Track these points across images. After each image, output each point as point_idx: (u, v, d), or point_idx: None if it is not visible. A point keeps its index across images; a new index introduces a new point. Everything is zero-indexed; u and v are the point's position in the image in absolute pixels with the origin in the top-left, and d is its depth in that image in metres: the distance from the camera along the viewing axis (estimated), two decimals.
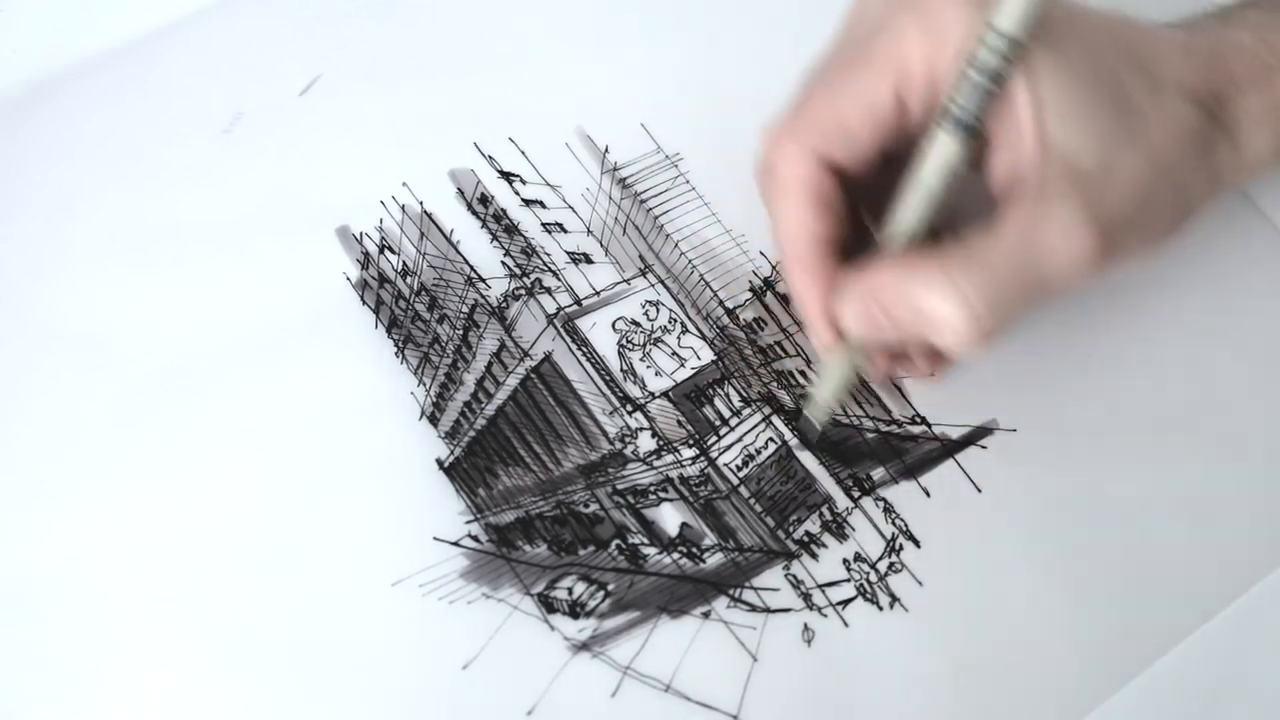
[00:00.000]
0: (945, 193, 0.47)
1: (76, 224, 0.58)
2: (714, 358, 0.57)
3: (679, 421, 0.56)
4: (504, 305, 0.57)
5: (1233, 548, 0.54)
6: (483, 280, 0.58)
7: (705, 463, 0.55)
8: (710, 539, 0.54)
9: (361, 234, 0.59)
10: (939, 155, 0.46)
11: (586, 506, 0.55)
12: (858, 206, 0.51)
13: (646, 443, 0.55)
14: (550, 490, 0.55)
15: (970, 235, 0.46)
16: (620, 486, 0.55)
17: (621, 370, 0.56)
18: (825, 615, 0.52)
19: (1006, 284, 0.45)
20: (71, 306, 0.57)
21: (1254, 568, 0.54)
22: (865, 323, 0.48)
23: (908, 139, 0.49)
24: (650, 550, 0.54)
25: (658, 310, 0.58)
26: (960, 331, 0.46)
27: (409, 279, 0.58)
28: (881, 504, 0.54)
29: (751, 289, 0.58)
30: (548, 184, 0.60)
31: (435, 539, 0.53)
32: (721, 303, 0.58)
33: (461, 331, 0.57)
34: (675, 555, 0.54)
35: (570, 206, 0.60)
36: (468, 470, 0.55)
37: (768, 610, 0.52)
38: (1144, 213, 0.48)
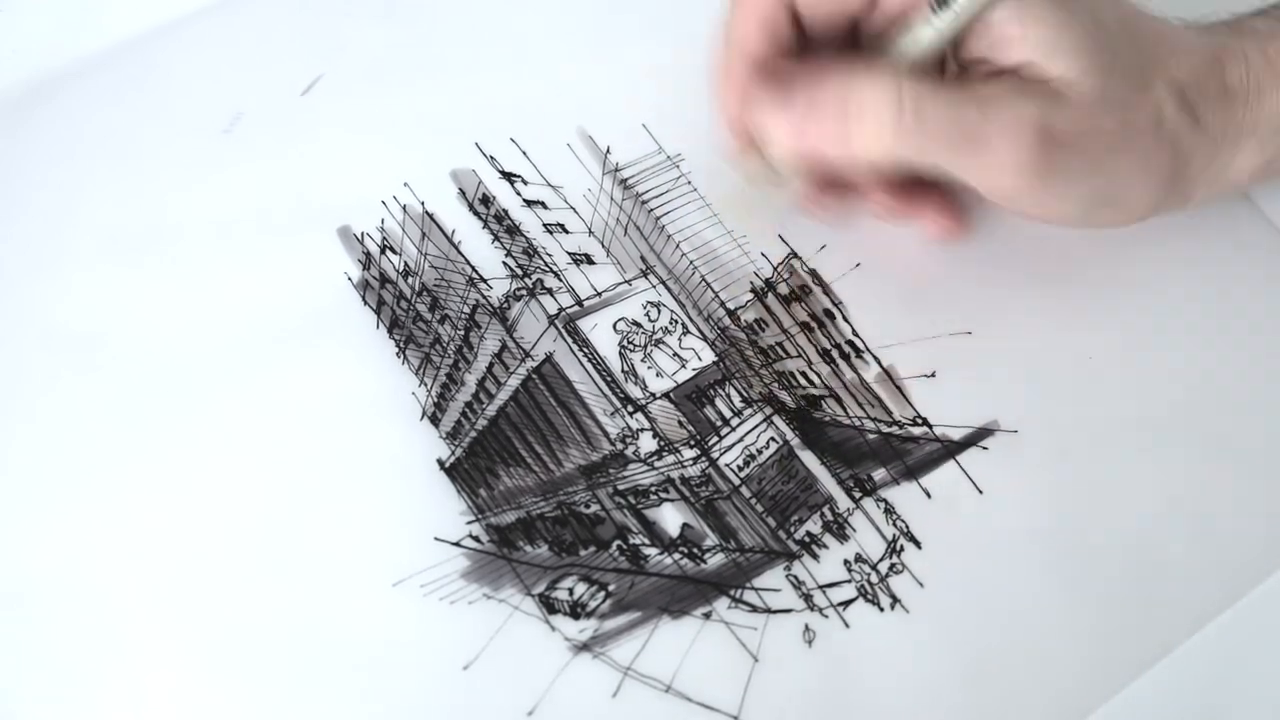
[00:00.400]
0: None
1: (76, 224, 0.59)
2: (715, 359, 0.57)
3: (680, 422, 0.56)
4: (505, 306, 0.58)
5: (1233, 549, 0.54)
6: (484, 281, 0.58)
7: (706, 463, 0.55)
8: (711, 539, 0.54)
9: (363, 234, 0.59)
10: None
11: (588, 507, 0.55)
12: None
13: (648, 443, 0.55)
14: (551, 491, 0.55)
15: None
16: (621, 487, 0.55)
17: (623, 371, 0.57)
18: (826, 616, 0.52)
19: (942, 117, 0.47)
20: (71, 306, 0.57)
21: (1255, 569, 0.54)
22: (788, 112, 0.50)
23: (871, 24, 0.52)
24: (651, 551, 0.54)
25: (659, 311, 0.58)
26: (880, 119, 0.47)
27: (410, 279, 0.58)
28: (883, 505, 0.54)
29: (753, 290, 0.58)
30: (549, 185, 0.60)
31: (436, 539, 0.53)
32: (723, 304, 0.58)
33: (463, 332, 0.57)
34: (676, 556, 0.54)
35: (572, 207, 0.60)
36: (469, 471, 0.55)
37: (769, 611, 0.52)
38: (1094, 161, 0.49)
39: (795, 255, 0.59)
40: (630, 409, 0.56)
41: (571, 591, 0.53)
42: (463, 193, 0.60)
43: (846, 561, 0.53)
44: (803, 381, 0.57)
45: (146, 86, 0.62)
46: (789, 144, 0.50)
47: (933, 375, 0.57)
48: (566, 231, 0.59)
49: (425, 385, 0.56)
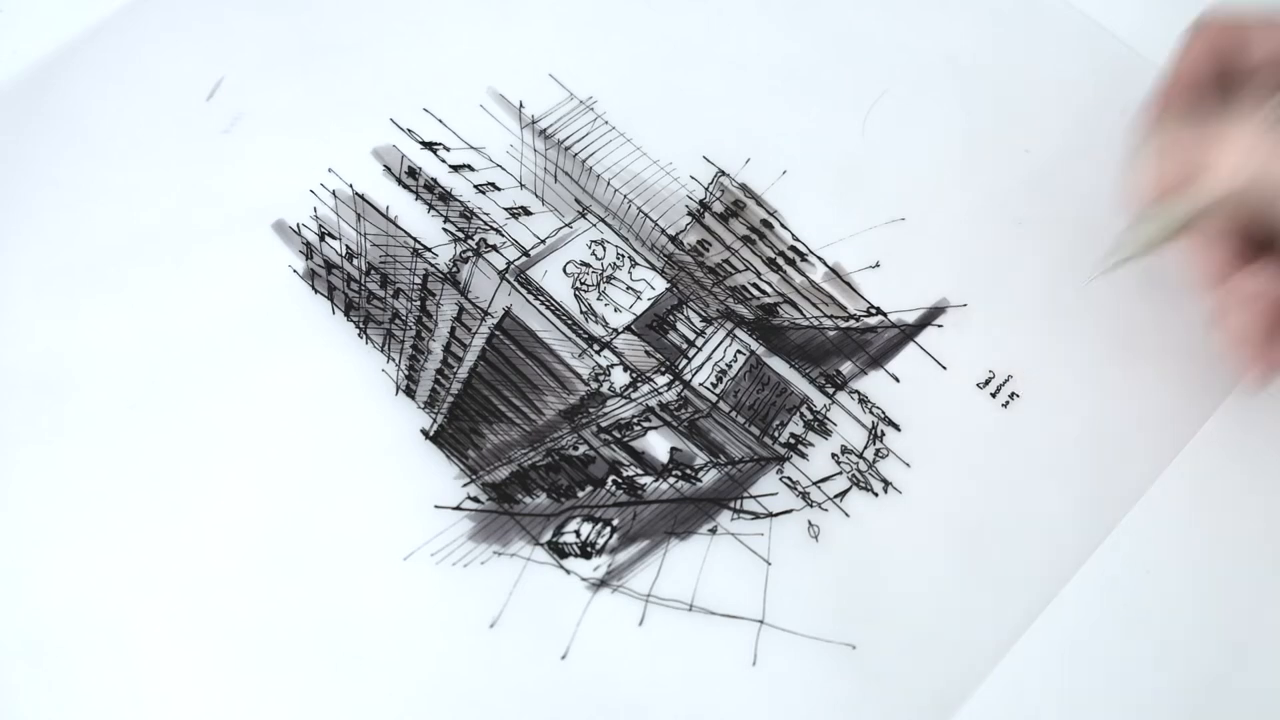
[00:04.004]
0: None
1: (15, 266, 0.58)
2: (667, 285, 0.58)
3: (647, 352, 0.56)
4: (454, 269, 0.58)
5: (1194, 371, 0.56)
6: (428, 249, 0.58)
7: (680, 386, 0.56)
8: (701, 458, 0.55)
9: (299, 225, 0.58)
10: None
11: (576, 449, 0.55)
12: None
13: (620, 378, 0.56)
14: (538, 440, 0.55)
15: None
16: (604, 424, 0.55)
17: (581, 312, 0.57)
18: (826, 510, 0.53)
19: None
20: (22, 344, 0.56)
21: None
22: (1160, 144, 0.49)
23: None
24: (646, 479, 0.54)
25: (604, 249, 0.58)
26: (1247, 141, 0.46)
27: (355, 261, 0.58)
28: (856, 396, 0.56)
29: (689, 213, 0.59)
30: (471, 147, 0.60)
31: (436, 507, 0.53)
32: (664, 231, 0.59)
33: (419, 302, 0.57)
34: (671, 480, 0.54)
35: (498, 165, 0.60)
36: (453, 435, 0.55)
37: (770, 515, 0.53)
38: None
39: (723, 173, 0.60)
40: (596, 347, 0.56)
41: (578, 533, 0.53)
42: (388, 169, 0.60)
43: (834, 455, 0.54)
44: (755, 292, 0.58)
45: (57, 110, 0.61)
46: (1151, 165, 0.50)
47: (877, 265, 0.58)
48: (498, 189, 0.59)
49: (393, 360, 0.56)
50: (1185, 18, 0.62)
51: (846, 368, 0.56)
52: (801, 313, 0.57)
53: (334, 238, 0.58)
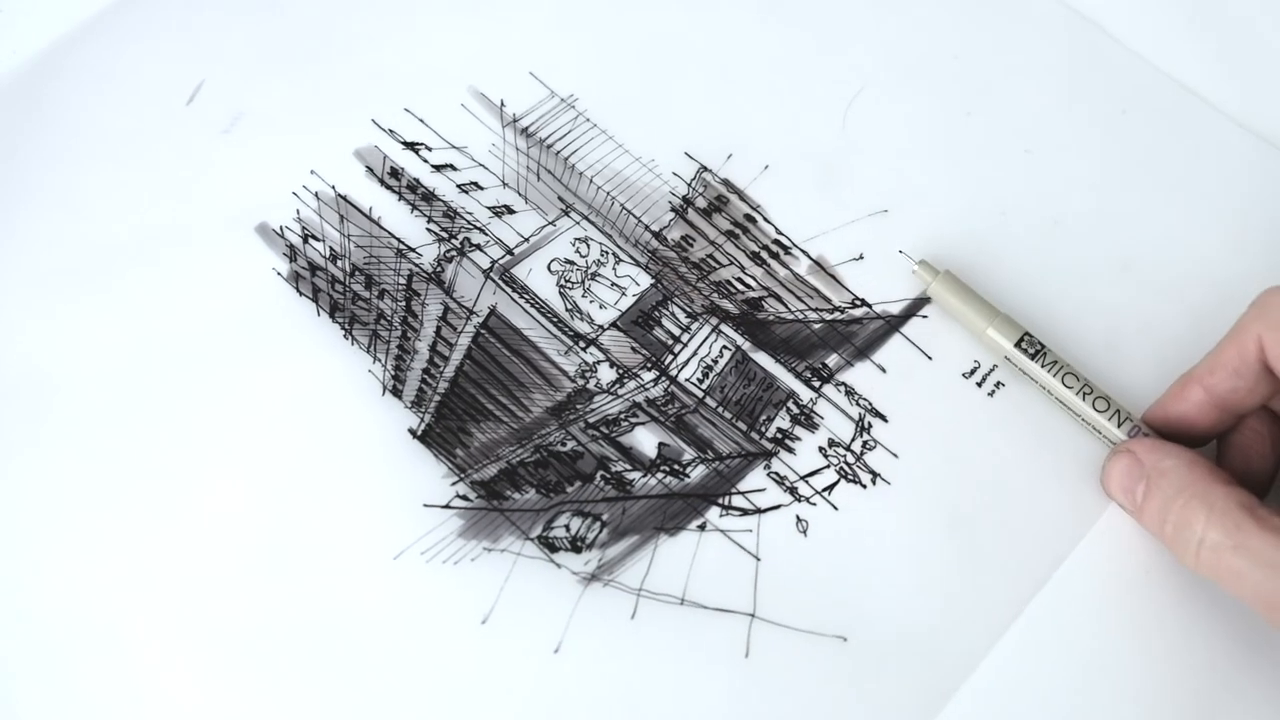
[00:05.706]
0: None
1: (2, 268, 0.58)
2: (652, 281, 0.58)
3: (633, 348, 0.56)
4: (439, 269, 0.58)
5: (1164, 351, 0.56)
6: (412, 250, 0.58)
7: (667, 382, 0.56)
8: (689, 453, 0.55)
9: (282, 228, 0.58)
10: None
11: (564, 445, 0.55)
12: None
13: (606, 374, 0.56)
14: (526, 437, 0.55)
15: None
16: (591, 420, 0.55)
17: (567, 309, 0.57)
18: (814, 504, 0.53)
19: (1256, 577, 0.45)
20: (9, 346, 0.56)
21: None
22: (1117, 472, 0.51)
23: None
24: (635, 475, 0.54)
25: (588, 246, 0.58)
26: (1203, 541, 0.46)
27: (339, 262, 0.58)
28: (842, 388, 0.56)
29: (673, 209, 0.59)
30: (453, 146, 0.60)
31: (425, 506, 0.53)
32: (647, 227, 0.59)
33: (404, 302, 0.57)
34: (659, 475, 0.54)
35: (481, 164, 0.60)
36: (441, 434, 0.55)
37: (759, 510, 0.53)
38: None
39: (705, 168, 0.60)
40: (582, 344, 0.56)
41: (568, 528, 0.53)
42: (370, 170, 0.60)
43: (821, 448, 0.55)
44: (740, 287, 0.58)
45: (40, 114, 0.61)
46: (1114, 492, 0.52)
47: (861, 257, 0.58)
48: (481, 188, 0.59)
49: (379, 361, 0.56)
50: (1183, 18, 0.62)
51: (832, 360, 0.56)
52: (786, 306, 0.57)
53: (318, 240, 0.58)
